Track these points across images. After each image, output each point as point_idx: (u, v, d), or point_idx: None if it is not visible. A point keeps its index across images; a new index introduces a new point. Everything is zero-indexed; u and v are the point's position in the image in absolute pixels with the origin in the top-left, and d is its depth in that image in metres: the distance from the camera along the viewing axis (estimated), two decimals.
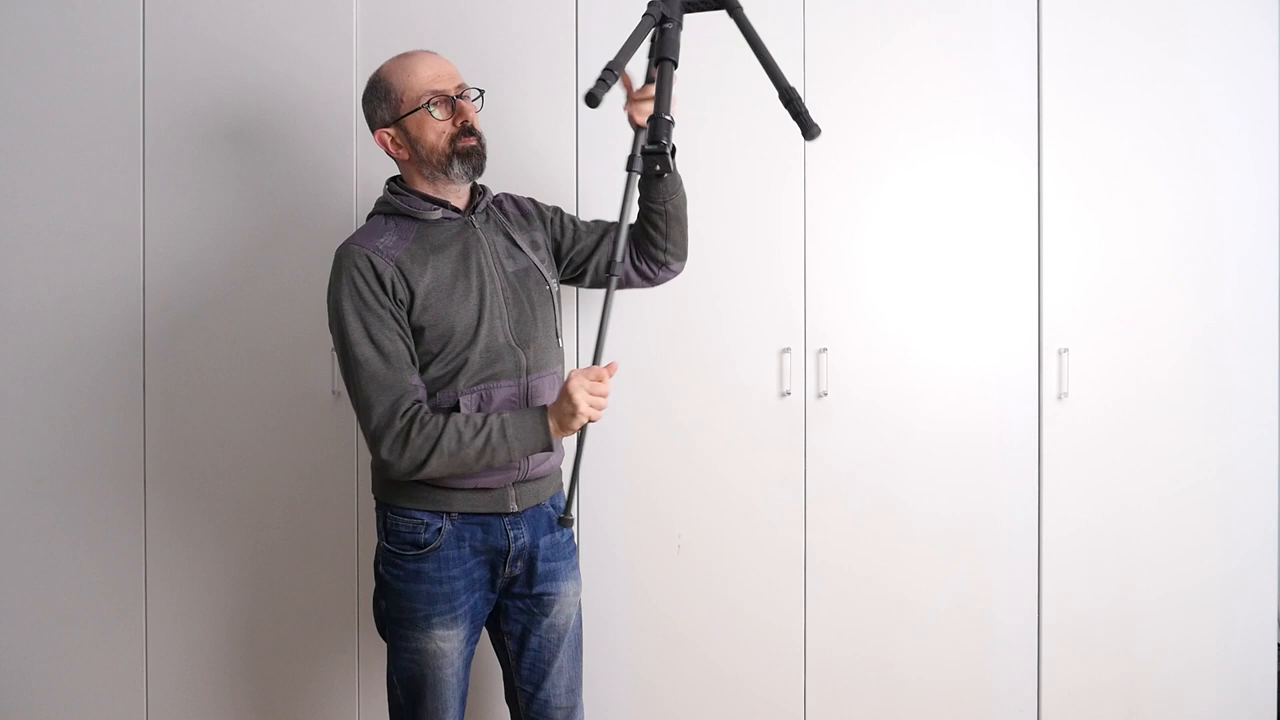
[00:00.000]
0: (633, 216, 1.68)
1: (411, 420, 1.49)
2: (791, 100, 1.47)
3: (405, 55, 1.61)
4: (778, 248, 2.05)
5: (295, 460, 2.06)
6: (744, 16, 1.50)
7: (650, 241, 1.73)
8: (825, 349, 2.05)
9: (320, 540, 2.06)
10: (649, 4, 1.50)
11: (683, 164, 1.74)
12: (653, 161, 1.48)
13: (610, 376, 1.49)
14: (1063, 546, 2.06)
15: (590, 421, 1.48)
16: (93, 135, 2.06)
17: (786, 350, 2.05)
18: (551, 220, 1.76)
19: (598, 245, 1.77)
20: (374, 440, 1.51)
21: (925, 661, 2.07)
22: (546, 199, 1.82)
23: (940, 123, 2.05)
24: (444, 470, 1.51)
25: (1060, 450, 2.06)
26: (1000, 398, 2.06)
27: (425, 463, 1.49)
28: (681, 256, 1.79)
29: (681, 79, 2.01)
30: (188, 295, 2.06)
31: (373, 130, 1.62)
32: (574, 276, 1.81)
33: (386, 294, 1.52)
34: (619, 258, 1.48)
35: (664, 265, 1.77)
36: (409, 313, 1.55)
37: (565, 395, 1.47)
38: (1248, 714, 2.08)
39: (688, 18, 1.53)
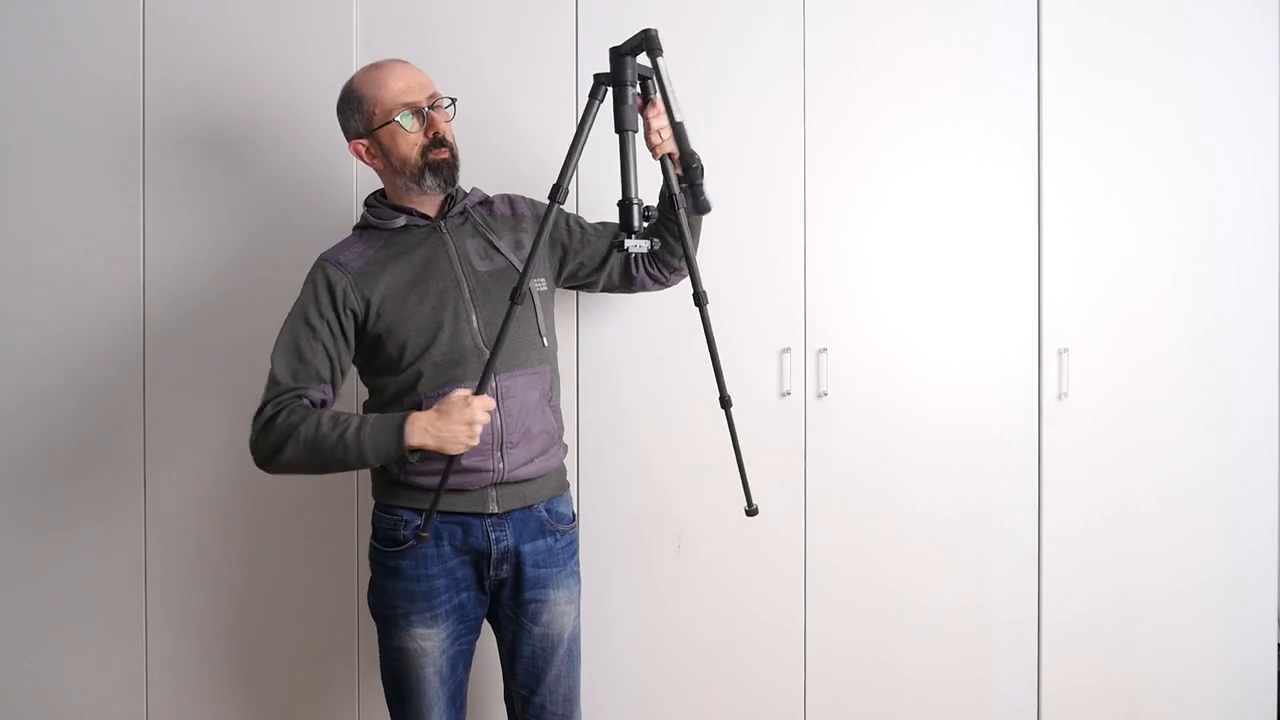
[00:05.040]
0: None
1: (281, 408, 1.51)
2: (690, 167, 1.44)
3: (376, 66, 1.61)
4: (777, 247, 2.05)
5: None
6: (660, 64, 1.43)
7: (666, 249, 1.73)
8: (825, 349, 2.05)
9: (320, 540, 2.06)
10: (594, 78, 1.47)
11: None
12: (624, 245, 1.45)
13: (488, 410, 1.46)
14: (1063, 546, 2.06)
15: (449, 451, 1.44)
16: (93, 140, 2.05)
17: (786, 350, 2.05)
18: (555, 222, 1.74)
19: (610, 252, 1.75)
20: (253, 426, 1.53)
21: (925, 661, 2.07)
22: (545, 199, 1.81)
23: (940, 123, 2.05)
24: (299, 460, 1.50)
25: (1060, 450, 2.06)
26: (1000, 398, 2.06)
27: (281, 448, 1.49)
28: None
29: (682, 78, 2.03)
30: (188, 299, 2.06)
31: (348, 140, 1.63)
32: (585, 283, 1.80)
33: (335, 307, 1.56)
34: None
35: (676, 270, 1.78)
36: (365, 322, 1.57)
37: (448, 403, 1.45)
38: (1248, 714, 2.08)
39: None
